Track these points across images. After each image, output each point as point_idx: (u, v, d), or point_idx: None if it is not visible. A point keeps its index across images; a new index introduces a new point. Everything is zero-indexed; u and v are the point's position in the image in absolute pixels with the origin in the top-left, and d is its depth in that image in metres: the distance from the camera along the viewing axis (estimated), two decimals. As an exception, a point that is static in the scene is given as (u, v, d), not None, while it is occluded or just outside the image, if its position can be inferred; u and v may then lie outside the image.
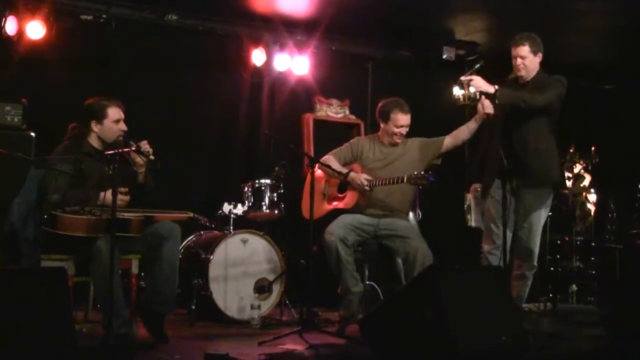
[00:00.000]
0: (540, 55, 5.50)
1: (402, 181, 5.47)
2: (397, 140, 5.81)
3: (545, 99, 5.35)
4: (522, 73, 5.48)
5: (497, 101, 5.27)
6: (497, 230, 5.48)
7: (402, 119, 5.75)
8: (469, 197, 6.21)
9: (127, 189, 4.78)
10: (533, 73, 5.49)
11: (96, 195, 4.74)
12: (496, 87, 5.28)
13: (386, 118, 5.80)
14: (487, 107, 5.33)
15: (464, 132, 5.72)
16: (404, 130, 5.78)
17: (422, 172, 5.40)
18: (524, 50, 5.45)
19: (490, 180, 5.55)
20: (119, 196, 4.73)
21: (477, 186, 5.78)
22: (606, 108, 8.79)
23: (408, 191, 5.84)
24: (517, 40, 5.49)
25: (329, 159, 5.84)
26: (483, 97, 5.32)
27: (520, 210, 5.43)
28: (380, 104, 5.90)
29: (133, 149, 4.74)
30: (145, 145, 4.80)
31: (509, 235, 5.34)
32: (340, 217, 5.66)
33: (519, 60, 5.47)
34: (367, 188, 5.61)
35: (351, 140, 6.03)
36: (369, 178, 5.62)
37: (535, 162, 5.41)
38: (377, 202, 5.71)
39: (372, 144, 5.90)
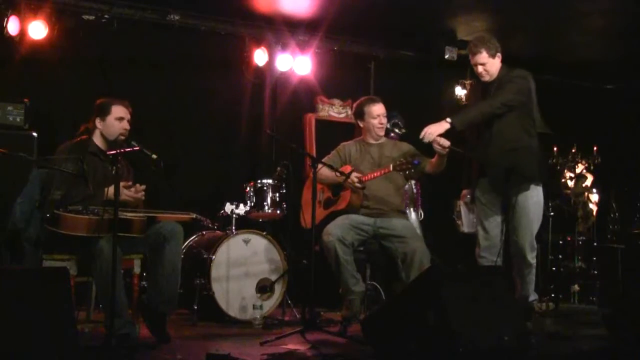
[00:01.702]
0: (499, 55, 5.48)
1: (389, 170, 5.48)
2: (380, 133, 5.84)
3: (502, 99, 5.33)
4: (486, 78, 5.48)
5: (458, 129, 5.30)
6: (483, 232, 5.50)
7: (376, 108, 5.82)
8: (459, 204, 6.19)
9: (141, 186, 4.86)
10: (496, 73, 5.49)
11: (101, 192, 4.75)
12: (448, 120, 5.28)
13: (362, 115, 5.86)
14: (444, 142, 5.33)
15: (432, 169, 5.66)
16: (383, 119, 5.83)
17: (409, 158, 5.40)
18: (482, 57, 5.42)
19: (476, 182, 5.56)
20: (138, 193, 4.86)
21: (466, 192, 5.77)
22: (608, 108, 8.79)
23: (401, 186, 5.85)
24: (473, 48, 5.45)
25: (322, 168, 5.82)
26: (436, 137, 5.31)
27: (508, 209, 5.44)
28: (353, 108, 6.00)
29: (136, 148, 4.75)
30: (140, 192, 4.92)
31: (498, 235, 5.44)
32: (338, 217, 5.66)
33: (480, 68, 5.45)
34: (358, 185, 5.61)
35: (337, 147, 6.03)
36: (359, 175, 5.63)
37: (513, 160, 5.37)
38: (371, 200, 5.71)
39: (358, 147, 5.92)
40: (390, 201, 5.77)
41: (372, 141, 5.90)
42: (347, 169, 5.75)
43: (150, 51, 7.00)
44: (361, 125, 5.92)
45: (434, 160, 5.58)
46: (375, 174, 5.62)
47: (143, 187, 4.93)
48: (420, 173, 5.75)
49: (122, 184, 4.58)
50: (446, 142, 5.32)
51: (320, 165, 5.53)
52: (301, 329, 5.05)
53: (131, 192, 4.85)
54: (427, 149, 5.70)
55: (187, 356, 4.47)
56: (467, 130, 5.48)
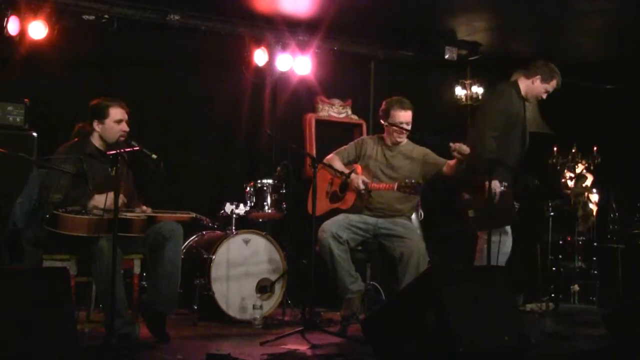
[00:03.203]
0: None
1: (394, 188, 5.44)
2: (398, 139, 5.78)
3: None
4: None
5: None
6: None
7: (402, 116, 5.70)
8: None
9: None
10: None
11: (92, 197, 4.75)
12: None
13: (387, 116, 5.76)
14: (464, 149, 5.39)
15: (449, 171, 5.65)
16: (405, 127, 5.73)
17: (413, 181, 5.35)
18: None
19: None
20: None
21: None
22: (607, 108, 8.78)
23: (410, 196, 5.80)
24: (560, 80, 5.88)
25: (333, 158, 5.84)
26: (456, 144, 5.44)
27: None
28: (382, 103, 5.88)
29: (136, 148, 4.75)
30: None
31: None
32: (337, 215, 5.66)
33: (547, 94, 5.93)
34: (363, 191, 5.60)
35: (356, 139, 6.01)
36: (367, 181, 5.61)
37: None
38: (375, 204, 5.70)
39: (376, 145, 5.87)
40: (395, 207, 5.74)
41: (389, 143, 5.86)
42: (350, 168, 5.75)
43: (150, 51, 7.00)
44: (383, 124, 5.84)
45: (452, 163, 5.55)
46: (380, 187, 5.60)
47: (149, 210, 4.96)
48: (438, 174, 5.72)
49: (120, 200, 4.55)
50: (466, 150, 5.34)
51: (320, 165, 5.52)
52: (301, 329, 5.05)
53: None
54: (446, 152, 5.73)
55: (187, 356, 4.47)
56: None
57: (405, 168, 5.72)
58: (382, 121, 5.84)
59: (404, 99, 5.78)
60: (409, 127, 5.75)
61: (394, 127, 5.71)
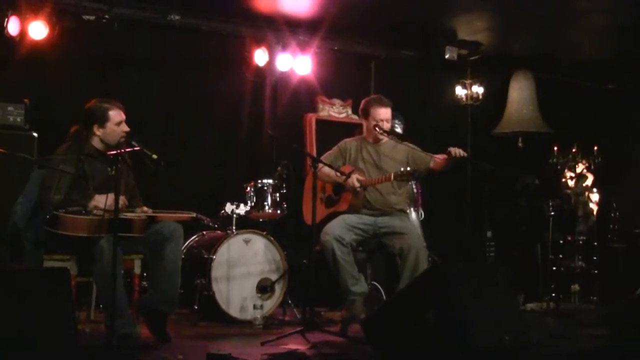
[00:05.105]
0: None
1: (390, 179, 5.47)
2: (379, 137, 5.80)
3: None
4: None
5: None
6: None
7: (381, 112, 5.75)
8: None
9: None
10: None
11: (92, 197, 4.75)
12: None
13: (367, 114, 5.83)
14: (461, 153, 5.38)
15: (437, 168, 5.64)
16: (384, 125, 5.76)
17: (408, 169, 5.37)
18: None
19: None
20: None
21: None
22: (607, 108, 8.79)
23: (402, 187, 5.83)
24: None
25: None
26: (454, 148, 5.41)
27: None
28: (361, 104, 5.93)
29: (137, 148, 4.75)
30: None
31: None
32: (338, 217, 5.66)
33: None
34: (359, 189, 5.61)
35: (339, 144, 6.02)
36: (361, 178, 5.62)
37: None
38: (372, 202, 5.72)
39: (359, 145, 5.91)
40: (391, 201, 5.77)
41: (372, 141, 5.88)
42: (347, 168, 5.75)
43: (150, 51, 6.99)
44: (364, 123, 5.90)
45: (441, 160, 5.56)
46: (376, 180, 5.62)
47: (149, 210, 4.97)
48: (425, 171, 5.74)
49: (121, 201, 4.55)
50: (464, 154, 5.37)
51: (320, 165, 5.53)
52: (302, 329, 5.06)
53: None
54: (429, 148, 5.72)
55: (187, 356, 4.47)
56: None
57: (392, 160, 5.75)
58: (363, 121, 5.91)
59: (383, 97, 5.86)
60: (389, 124, 5.80)
61: (376, 126, 5.74)
